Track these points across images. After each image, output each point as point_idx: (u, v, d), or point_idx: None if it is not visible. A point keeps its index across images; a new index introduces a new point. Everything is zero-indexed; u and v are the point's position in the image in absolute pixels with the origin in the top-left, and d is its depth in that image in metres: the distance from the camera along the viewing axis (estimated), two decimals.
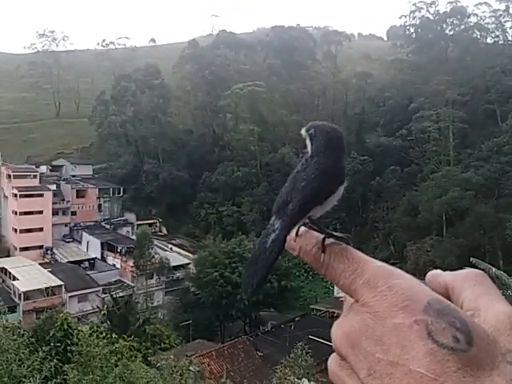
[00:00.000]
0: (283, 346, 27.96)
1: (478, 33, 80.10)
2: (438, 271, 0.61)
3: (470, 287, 0.56)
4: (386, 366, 0.48)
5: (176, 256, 51.81)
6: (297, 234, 0.64)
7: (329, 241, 0.62)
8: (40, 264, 46.55)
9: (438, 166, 57.08)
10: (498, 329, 0.50)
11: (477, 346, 0.48)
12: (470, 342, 0.47)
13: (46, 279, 41.32)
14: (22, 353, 9.01)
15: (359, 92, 73.63)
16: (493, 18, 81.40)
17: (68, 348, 12.04)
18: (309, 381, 17.42)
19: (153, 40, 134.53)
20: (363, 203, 58.88)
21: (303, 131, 0.70)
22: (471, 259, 20.84)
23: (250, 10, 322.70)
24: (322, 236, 0.62)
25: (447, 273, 0.60)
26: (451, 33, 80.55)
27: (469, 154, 57.35)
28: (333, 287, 49.79)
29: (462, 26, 79.98)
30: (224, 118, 73.32)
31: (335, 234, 0.63)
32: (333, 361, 0.55)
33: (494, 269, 19.46)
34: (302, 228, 0.65)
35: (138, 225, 58.79)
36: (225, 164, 66.48)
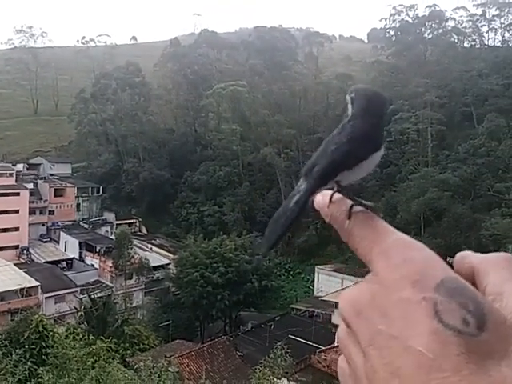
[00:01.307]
0: (263, 346, 28.08)
1: (455, 37, 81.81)
2: (468, 252, 0.58)
3: (497, 271, 0.53)
4: (387, 339, 0.47)
5: (156, 256, 51.37)
6: (331, 201, 0.63)
7: (356, 208, 0.61)
8: (15, 264, 45.46)
9: (416, 167, 58.12)
10: None
11: (490, 331, 0.45)
12: (481, 327, 0.45)
13: (21, 280, 40.40)
14: None
15: (340, 93, 74.15)
16: (470, 23, 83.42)
17: (43, 350, 11.80)
18: (288, 380, 17.50)
19: (134, 38, 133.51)
20: None
21: (347, 95, 0.66)
22: (448, 259, 21.33)
23: (232, 9, 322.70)
24: (351, 203, 0.62)
25: (476, 254, 0.57)
26: (430, 36, 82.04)
27: (446, 155, 58.58)
28: (313, 287, 50.24)
29: (441, 30, 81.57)
30: (206, 117, 73.03)
31: (364, 202, 0.62)
32: (340, 328, 0.55)
33: None
34: (337, 195, 0.63)
35: (117, 224, 58.06)
36: (206, 163, 66.25)
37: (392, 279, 0.50)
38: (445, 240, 46.56)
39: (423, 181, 51.94)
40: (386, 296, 0.49)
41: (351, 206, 0.61)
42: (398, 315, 0.47)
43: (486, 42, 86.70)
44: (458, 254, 0.58)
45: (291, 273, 55.47)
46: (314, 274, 49.82)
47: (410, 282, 0.48)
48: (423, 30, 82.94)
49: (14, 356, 9.09)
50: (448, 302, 0.46)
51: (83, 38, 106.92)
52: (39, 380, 9.78)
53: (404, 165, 59.44)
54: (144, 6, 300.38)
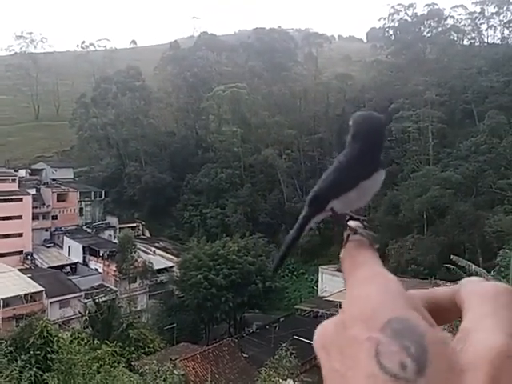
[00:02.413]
0: (268, 347, 28.03)
1: (454, 35, 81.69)
2: (470, 279, 0.53)
3: (479, 305, 0.48)
4: (338, 377, 0.46)
5: (159, 259, 51.40)
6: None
7: (354, 237, 0.61)
8: (20, 270, 45.57)
9: (418, 165, 58.02)
10: (475, 364, 0.43)
11: (429, 378, 0.42)
12: (420, 372, 0.42)
13: (25, 285, 40.51)
14: (0, 362, 8.83)
15: (340, 93, 74.34)
16: (469, 21, 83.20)
17: (48, 356, 11.82)
18: (293, 381, 17.50)
19: (133, 42, 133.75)
20: None
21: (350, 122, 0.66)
22: (451, 256, 21.28)
23: (231, 12, 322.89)
24: (348, 232, 0.62)
25: (471, 282, 0.53)
26: (429, 35, 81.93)
27: (448, 153, 58.46)
28: (317, 287, 50.17)
29: (440, 28, 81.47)
30: (206, 119, 73.12)
31: (360, 231, 0.62)
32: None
33: (473, 266, 19.89)
34: (352, 222, 0.65)
35: (120, 228, 58.13)
36: (208, 166, 66.30)
37: (350, 315, 0.49)
38: (448, 238, 46.46)
39: (425, 179, 51.86)
40: (343, 332, 0.48)
41: (348, 235, 0.62)
42: (348, 353, 0.46)
43: (486, 40, 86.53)
44: (464, 280, 0.54)
45: (295, 273, 55.40)
46: (317, 274, 49.74)
47: (360, 319, 0.47)
48: (422, 28, 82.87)
49: (19, 362, 9.12)
50: (389, 344, 0.44)
51: (83, 42, 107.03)
52: None
53: (406, 163, 59.35)
54: (143, 10, 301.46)
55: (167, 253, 54.90)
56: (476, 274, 19.52)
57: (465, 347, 0.44)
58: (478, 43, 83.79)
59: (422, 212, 50.38)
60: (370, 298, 0.49)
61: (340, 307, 0.51)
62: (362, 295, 0.50)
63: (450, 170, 52.74)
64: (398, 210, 52.25)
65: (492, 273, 20.12)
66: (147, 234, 63.22)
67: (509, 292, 0.49)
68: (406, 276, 36.43)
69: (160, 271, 48.42)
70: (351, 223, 0.64)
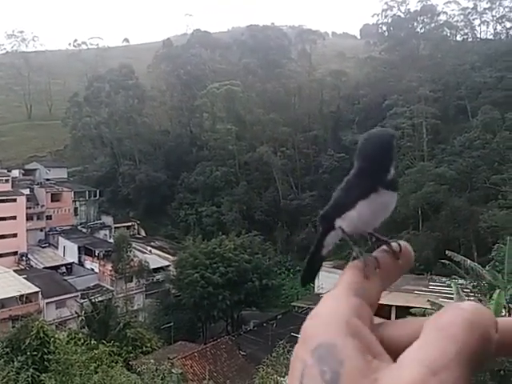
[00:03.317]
0: (266, 345, 28.08)
1: (447, 31, 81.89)
2: (454, 304, 0.49)
3: (428, 334, 0.46)
4: None
5: (155, 258, 51.28)
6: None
7: (354, 261, 0.62)
8: (15, 271, 45.29)
9: (412, 161, 58.21)
10: None
11: None
12: None
13: (21, 286, 40.28)
14: None
15: (334, 90, 74.38)
16: (462, 16, 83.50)
17: (45, 356, 11.74)
18: None
19: (126, 40, 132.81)
20: None
21: None
22: (447, 252, 21.38)
23: (224, 9, 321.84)
24: (354, 255, 0.63)
25: (448, 307, 0.49)
26: (422, 31, 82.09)
27: (442, 149, 58.67)
28: (314, 284, 50.27)
29: (433, 24, 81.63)
30: (201, 117, 72.87)
31: (359, 256, 0.61)
32: None
33: (468, 261, 20.01)
34: (357, 248, 0.64)
35: (115, 228, 57.92)
36: (203, 164, 66.14)
37: (302, 332, 0.50)
38: (443, 233, 46.69)
39: (420, 175, 52.04)
40: (295, 351, 0.50)
41: (354, 257, 0.62)
42: (291, 368, 0.48)
43: (478, 35, 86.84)
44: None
45: (291, 271, 55.47)
46: None
47: (304, 337, 0.49)
48: (415, 24, 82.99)
49: (16, 363, 9.05)
50: (312, 367, 0.45)
51: (75, 41, 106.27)
52: None
53: (400, 160, 59.44)
54: (135, 8, 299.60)
55: (163, 252, 54.79)
56: (471, 269, 19.64)
57: (385, 376, 0.44)
58: (470, 39, 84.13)
59: (417, 208, 50.58)
60: (316, 318, 0.50)
61: None
62: (313, 313, 0.51)
63: (444, 166, 52.94)
64: None
65: (487, 267, 20.24)
66: (143, 233, 63.03)
67: (467, 323, 0.45)
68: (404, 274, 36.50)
69: (156, 270, 48.33)
70: (355, 249, 0.63)
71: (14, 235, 51.90)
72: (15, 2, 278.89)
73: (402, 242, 0.64)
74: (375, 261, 0.60)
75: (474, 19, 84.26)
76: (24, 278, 42.74)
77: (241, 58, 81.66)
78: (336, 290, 0.54)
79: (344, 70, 75.07)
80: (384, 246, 0.63)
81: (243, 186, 62.77)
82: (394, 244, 0.63)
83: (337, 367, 0.44)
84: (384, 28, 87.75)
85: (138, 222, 63.48)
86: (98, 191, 64.95)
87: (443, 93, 64.62)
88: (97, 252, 50.07)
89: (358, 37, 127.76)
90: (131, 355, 23.76)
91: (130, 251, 46.33)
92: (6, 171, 58.97)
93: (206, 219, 60.76)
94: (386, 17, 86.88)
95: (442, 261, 21.27)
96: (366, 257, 0.60)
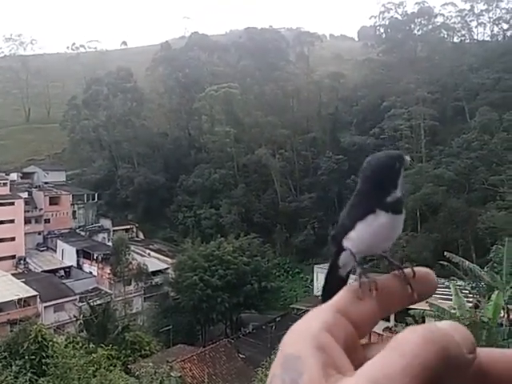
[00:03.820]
0: (265, 347, 28.04)
1: (444, 32, 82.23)
2: (426, 325, 0.49)
3: (384, 350, 0.46)
4: None
5: (154, 261, 51.18)
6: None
7: (354, 283, 0.62)
8: (13, 274, 45.13)
9: (410, 163, 58.25)
10: None
11: None
12: None
13: (19, 290, 40.15)
14: None
15: (332, 92, 74.52)
16: (459, 18, 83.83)
17: (43, 360, 11.71)
18: None
19: (124, 43, 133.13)
20: (339, 201, 59.49)
21: None
22: (445, 253, 21.37)
23: (222, 11, 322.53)
24: (357, 276, 0.64)
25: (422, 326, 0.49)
26: (419, 33, 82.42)
27: (440, 150, 58.78)
28: (312, 286, 50.24)
29: (430, 26, 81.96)
30: (199, 120, 72.92)
31: (361, 277, 0.60)
32: None
33: (467, 262, 20.00)
34: (359, 269, 0.65)
35: (114, 231, 57.82)
36: (201, 166, 66.14)
37: (280, 345, 0.52)
38: (441, 235, 46.70)
39: (418, 176, 52.09)
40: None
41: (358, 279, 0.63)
42: (270, 375, 0.50)
43: (476, 37, 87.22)
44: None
45: (290, 273, 55.47)
46: (312, 273, 49.78)
47: (279, 350, 0.51)
48: (413, 26, 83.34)
49: (14, 367, 9.02)
50: (277, 377, 0.48)
51: (73, 44, 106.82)
52: None
53: None
54: (133, 11, 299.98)
55: (162, 254, 54.69)
56: (470, 271, 19.64)
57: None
58: (468, 40, 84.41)
59: (416, 209, 50.59)
60: (291, 332, 0.52)
61: None
62: (292, 327, 0.53)
63: (442, 167, 53.02)
64: None
65: (485, 268, 20.24)
66: (141, 235, 62.93)
67: (421, 339, 0.44)
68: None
69: (155, 273, 48.22)
70: (358, 269, 0.64)
71: (12, 239, 51.79)
72: (13, 5, 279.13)
73: (422, 269, 0.61)
74: (373, 283, 0.58)
75: (470, 21, 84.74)
76: (22, 281, 42.59)
77: (239, 60, 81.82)
78: (321, 307, 0.55)
79: (342, 72, 75.26)
80: (395, 271, 0.62)
81: (242, 189, 62.78)
82: (407, 270, 0.61)
83: (296, 378, 0.46)
84: (381, 30, 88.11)
85: (137, 225, 63.40)
86: (96, 194, 64.86)
87: (441, 94, 64.78)
88: (95, 255, 49.95)
89: (356, 39, 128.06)
90: (130, 359, 23.68)
91: (129, 254, 46.24)
92: (4, 174, 58.84)
93: (205, 222, 60.72)
94: (383, 19, 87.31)
95: (441, 262, 21.24)
96: (365, 278, 0.59)
